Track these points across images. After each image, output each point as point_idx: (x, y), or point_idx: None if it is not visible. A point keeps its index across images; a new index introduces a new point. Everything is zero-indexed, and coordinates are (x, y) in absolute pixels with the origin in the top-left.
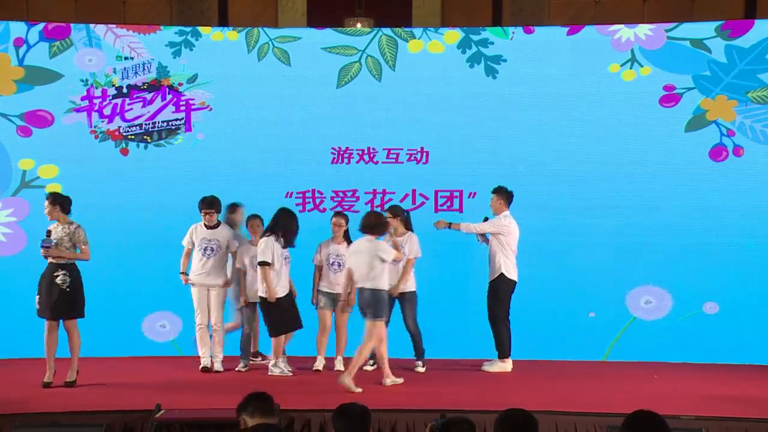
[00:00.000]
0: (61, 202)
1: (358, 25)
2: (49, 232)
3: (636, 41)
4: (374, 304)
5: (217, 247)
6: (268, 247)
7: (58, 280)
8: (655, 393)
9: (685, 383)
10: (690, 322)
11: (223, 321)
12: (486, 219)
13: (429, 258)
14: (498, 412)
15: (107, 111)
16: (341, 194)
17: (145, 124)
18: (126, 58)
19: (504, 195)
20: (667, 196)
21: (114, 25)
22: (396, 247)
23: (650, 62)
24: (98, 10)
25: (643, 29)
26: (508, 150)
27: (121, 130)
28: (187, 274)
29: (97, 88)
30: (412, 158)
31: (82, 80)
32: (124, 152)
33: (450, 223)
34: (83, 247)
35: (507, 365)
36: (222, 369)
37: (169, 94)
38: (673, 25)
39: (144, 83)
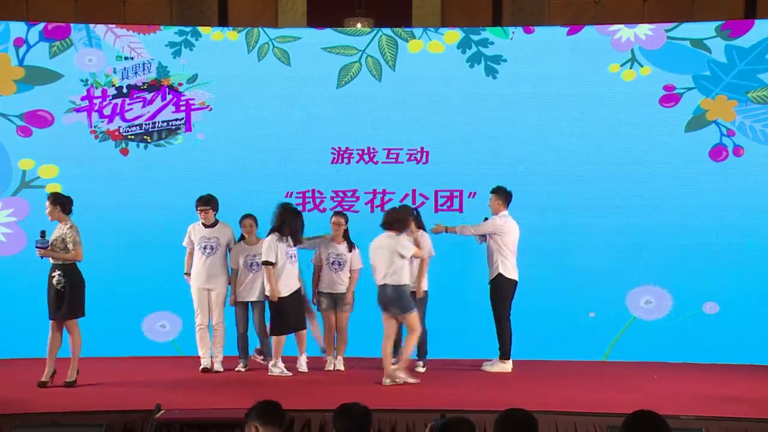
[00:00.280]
0: (61, 203)
1: (358, 25)
2: (43, 233)
3: (636, 41)
4: (398, 299)
5: (217, 245)
6: (271, 247)
7: (54, 281)
8: (655, 393)
9: (685, 383)
10: (690, 322)
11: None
12: (486, 219)
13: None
14: (498, 412)
15: (107, 111)
16: (341, 194)
17: (145, 124)
18: (126, 58)
19: (502, 195)
20: (667, 196)
21: (114, 25)
22: (417, 243)
23: (650, 62)
24: (98, 10)
25: (643, 29)
26: (508, 150)
27: (121, 130)
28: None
29: (97, 88)
30: (412, 158)
31: (82, 80)
32: (124, 152)
33: (447, 228)
34: (71, 246)
35: (507, 366)
36: (222, 369)
37: (169, 94)
38: (673, 25)
39: (144, 83)
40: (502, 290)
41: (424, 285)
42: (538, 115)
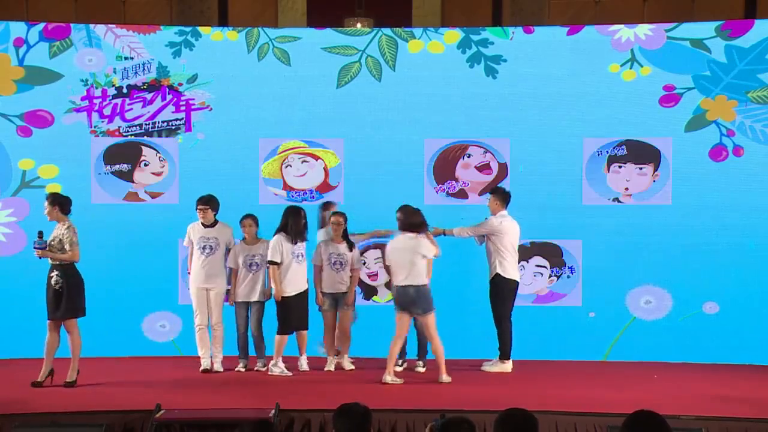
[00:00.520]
0: (60, 203)
1: (358, 25)
2: (41, 233)
3: (636, 41)
4: (421, 299)
5: (216, 245)
6: (276, 247)
7: (52, 281)
8: (655, 393)
9: (685, 383)
10: (690, 322)
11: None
12: (486, 219)
13: None
14: (498, 412)
15: (107, 111)
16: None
17: (145, 124)
18: (126, 58)
19: (501, 196)
20: (667, 196)
21: (114, 25)
22: (433, 243)
23: (650, 62)
24: (98, 10)
25: (643, 29)
26: (508, 150)
27: (121, 130)
28: None
29: (97, 88)
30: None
31: (82, 80)
32: None
33: (444, 230)
34: (68, 247)
35: (507, 366)
36: (222, 369)
37: (169, 94)
38: (673, 25)
39: (144, 83)
40: (501, 290)
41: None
42: (538, 115)
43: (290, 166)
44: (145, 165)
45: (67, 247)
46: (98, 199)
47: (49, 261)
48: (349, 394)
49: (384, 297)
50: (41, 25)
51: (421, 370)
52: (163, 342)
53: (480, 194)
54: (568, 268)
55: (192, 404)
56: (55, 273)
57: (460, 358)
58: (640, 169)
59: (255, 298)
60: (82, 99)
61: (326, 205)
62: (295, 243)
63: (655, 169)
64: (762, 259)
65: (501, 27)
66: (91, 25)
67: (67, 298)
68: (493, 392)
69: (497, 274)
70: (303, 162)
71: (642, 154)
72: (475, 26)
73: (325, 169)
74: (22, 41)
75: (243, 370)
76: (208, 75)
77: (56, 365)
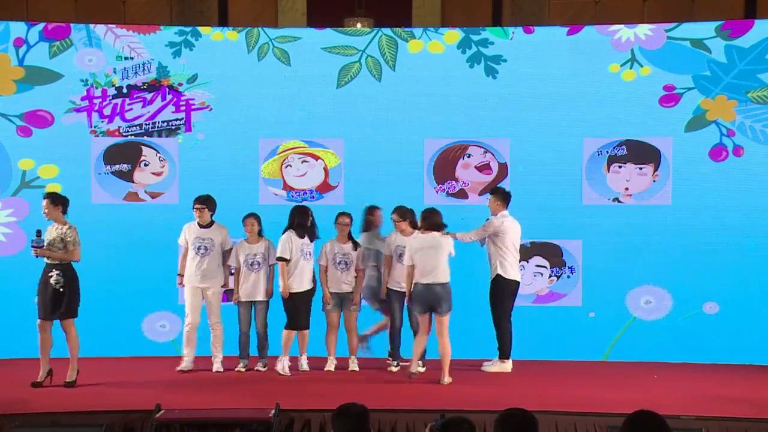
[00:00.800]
0: (62, 203)
1: (358, 25)
2: (39, 232)
3: (636, 41)
4: (447, 297)
5: (211, 246)
6: (285, 244)
7: (52, 280)
8: (655, 393)
9: (685, 383)
10: (690, 322)
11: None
12: (488, 220)
13: None
14: (498, 412)
15: (107, 111)
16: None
17: (145, 124)
18: (126, 58)
19: (501, 196)
20: (667, 196)
21: (114, 25)
22: None
23: (650, 62)
24: (98, 10)
25: (643, 29)
26: (508, 150)
27: (121, 130)
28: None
29: (97, 88)
30: None
31: (82, 80)
32: None
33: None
34: (72, 247)
35: (507, 366)
36: (222, 369)
37: (169, 94)
38: (673, 25)
39: (144, 83)
40: (501, 291)
41: None
42: (538, 115)
43: (290, 166)
44: (145, 165)
45: (71, 246)
46: (98, 199)
47: (46, 260)
48: (349, 394)
49: None
50: (41, 25)
51: (421, 369)
52: (163, 342)
53: (480, 194)
54: (568, 268)
55: (192, 404)
56: (55, 272)
57: (460, 358)
58: (640, 169)
59: (259, 297)
60: (82, 99)
61: (371, 210)
62: (303, 237)
63: (655, 169)
64: (762, 259)
65: (501, 27)
66: (91, 25)
67: (67, 297)
68: (493, 392)
69: (498, 275)
70: (303, 162)
71: (642, 154)
72: (475, 26)
73: (325, 169)
74: (22, 41)
75: (243, 370)
76: (208, 75)
77: (55, 365)
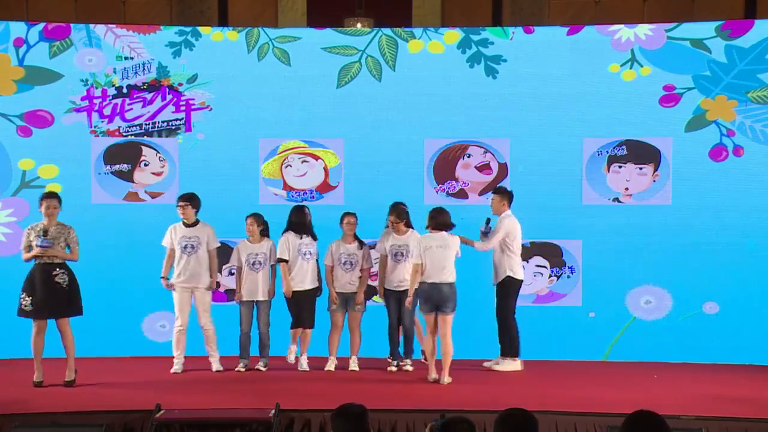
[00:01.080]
0: (60, 204)
1: (358, 25)
2: (46, 232)
3: (636, 41)
4: (453, 297)
5: (197, 244)
6: (283, 244)
7: (58, 279)
8: (655, 393)
9: (685, 383)
10: (690, 322)
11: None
12: (488, 220)
13: None
14: (498, 412)
15: (107, 111)
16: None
17: (145, 124)
18: (126, 58)
19: (505, 195)
20: (667, 196)
21: (114, 25)
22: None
23: (650, 62)
24: (98, 10)
25: (643, 29)
26: (508, 150)
27: (121, 130)
28: (169, 279)
29: (97, 88)
30: None
31: (82, 80)
32: None
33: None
34: (75, 248)
35: (517, 364)
36: (221, 369)
37: (169, 94)
38: (673, 25)
39: (144, 83)
40: (508, 291)
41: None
42: (538, 115)
43: (290, 166)
44: (145, 165)
45: (74, 247)
46: (98, 199)
47: (43, 261)
48: (349, 394)
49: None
50: (41, 25)
51: (410, 368)
52: (163, 342)
53: (480, 194)
54: (568, 268)
55: (192, 404)
56: (60, 272)
57: (460, 358)
58: (640, 169)
59: (260, 297)
60: (82, 99)
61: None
62: (301, 237)
63: (655, 169)
64: (762, 259)
65: (501, 27)
66: (91, 25)
67: (72, 297)
68: (493, 392)
69: (508, 276)
70: (303, 162)
71: (642, 154)
72: (475, 26)
73: (325, 169)
74: (22, 41)
75: (243, 370)
76: (208, 75)
77: (51, 365)
